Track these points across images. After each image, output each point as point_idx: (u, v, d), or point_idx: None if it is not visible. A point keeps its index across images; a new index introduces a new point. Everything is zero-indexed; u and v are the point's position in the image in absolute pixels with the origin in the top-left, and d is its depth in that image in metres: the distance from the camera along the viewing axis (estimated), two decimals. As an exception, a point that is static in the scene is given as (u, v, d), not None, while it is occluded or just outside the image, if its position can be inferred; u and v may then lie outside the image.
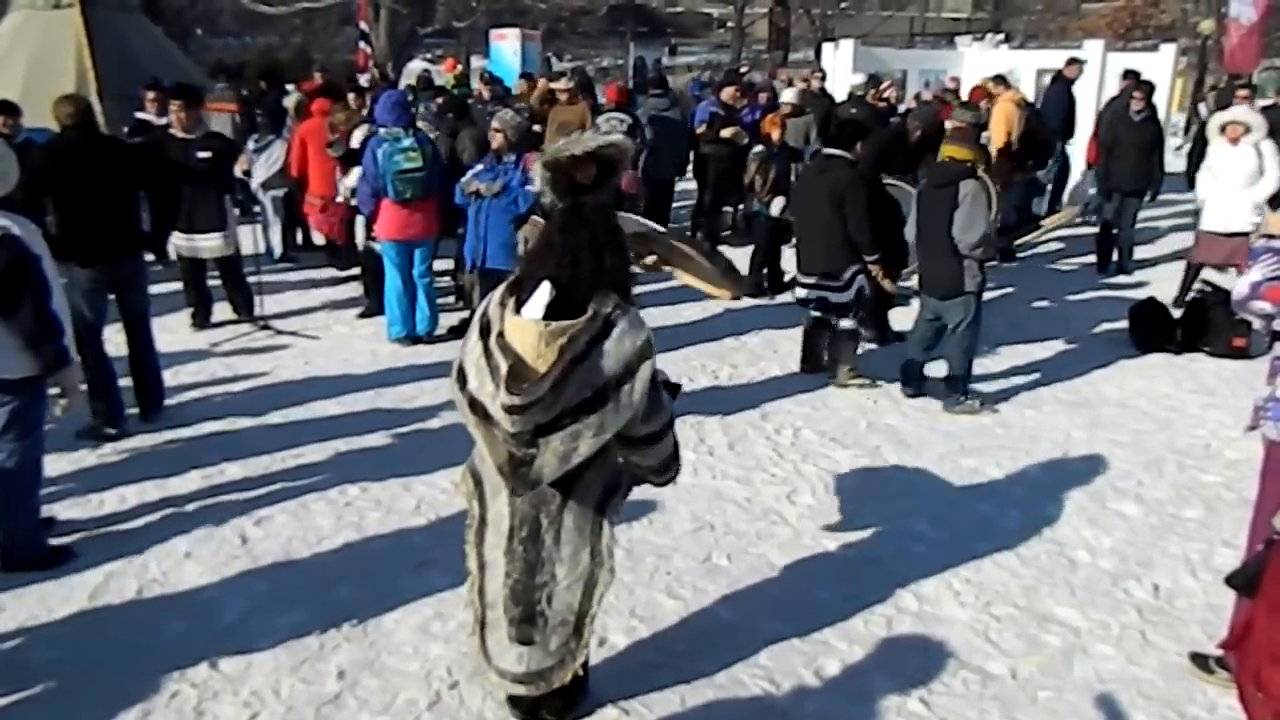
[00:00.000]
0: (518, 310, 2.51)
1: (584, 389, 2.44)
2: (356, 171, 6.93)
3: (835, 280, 5.94)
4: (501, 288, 2.61)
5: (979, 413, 5.69)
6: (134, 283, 5.19)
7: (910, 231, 5.88)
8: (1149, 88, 9.08)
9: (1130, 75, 10.51)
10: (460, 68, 16.24)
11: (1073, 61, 10.57)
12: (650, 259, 4.87)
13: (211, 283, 7.17)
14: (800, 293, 6.19)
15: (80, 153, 4.93)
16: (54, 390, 3.75)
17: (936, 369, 5.96)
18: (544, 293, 2.47)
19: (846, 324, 6.06)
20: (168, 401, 5.49)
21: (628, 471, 2.83)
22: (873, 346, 6.82)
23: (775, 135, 8.13)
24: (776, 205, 7.72)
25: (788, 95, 9.82)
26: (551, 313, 2.48)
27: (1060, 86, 10.62)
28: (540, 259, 2.61)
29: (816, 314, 6.17)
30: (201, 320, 7.13)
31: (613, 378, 2.46)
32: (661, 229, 4.76)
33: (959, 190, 5.39)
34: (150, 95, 7.27)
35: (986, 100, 9.47)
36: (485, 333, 2.53)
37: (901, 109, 10.73)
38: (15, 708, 3.12)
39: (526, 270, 2.62)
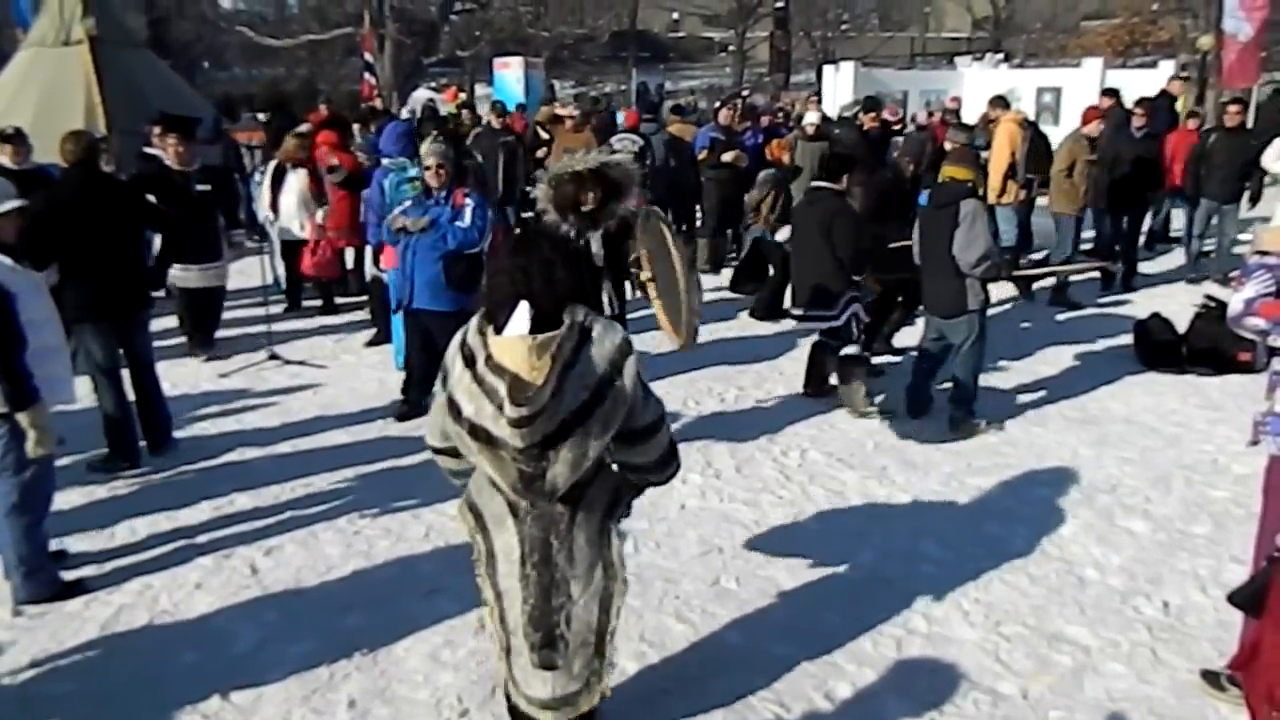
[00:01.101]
0: (498, 332, 2.55)
1: (580, 392, 2.49)
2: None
3: (830, 310, 5.97)
4: (475, 318, 2.62)
5: (985, 432, 5.69)
6: (139, 327, 5.25)
7: (915, 253, 5.90)
8: (1149, 105, 9.13)
9: (1110, 94, 10.59)
10: (463, 96, 16.42)
11: (1176, 78, 10.50)
12: (646, 275, 4.90)
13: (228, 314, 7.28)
14: (796, 324, 6.28)
15: (84, 199, 4.94)
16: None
17: (940, 389, 5.97)
18: (524, 310, 2.52)
19: (849, 350, 6.06)
20: (178, 433, 5.53)
21: (628, 481, 2.85)
22: (878, 364, 6.85)
23: (785, 159, 8.19)
24: (783, 233, 7.70)
25: (811, 118, 9.86)
26: (532, 329, 2.53)
27: (1164, 103, 10.57)
28: (498, 284, 2.64)
29: (821, 336, 6.19)
30: (195, 350, 7.25)
31: (603, 377, 2.52)
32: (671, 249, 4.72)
33: (959, 210, 5.43)
34: (156, 130, 7.40)
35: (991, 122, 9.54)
36: (470, 363, 2.54)
37: (909, 130, 10.76)
38: (28, 741, 3.14)
39: (492, 297, 2.64)
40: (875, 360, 6.89)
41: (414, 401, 5.85)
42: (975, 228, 5.39)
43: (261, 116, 11.12)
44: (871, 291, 6.33)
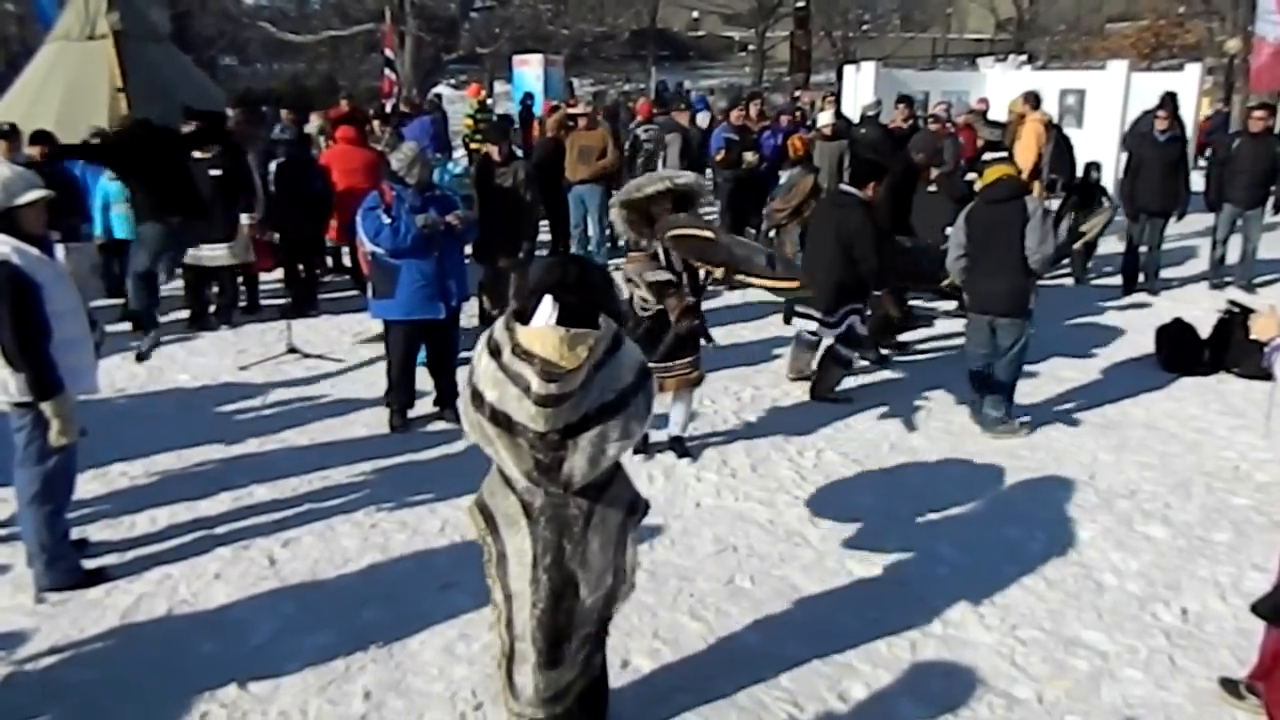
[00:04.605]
0: (525, 324, 2.58)
1: (606, 392, 2.53)
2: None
3: (830, 317, 5.97)
4: (504, 316, 2.67)
5: (1019, 434, 5.64)
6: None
7: (952, 256, 5.76)
8: (1173, 107, 9.03)
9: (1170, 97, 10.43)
10: (485, 93, 16.46)
11: None
12: (719, 271, 4.99)
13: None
14: (798, 323, 6.33)
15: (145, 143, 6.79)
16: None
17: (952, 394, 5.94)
18: (548, 304, 2.55)
19: (843, 350, 6.10)
20: (200, 428, 5.59)
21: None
22: (883, 368, 6.87)
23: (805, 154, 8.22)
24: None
25: (824, 118, 9.84)
26: (564, 323, 2.57)
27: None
28: (537, 287, 2.67)
29: (811, 336, 6.30)
30: (198, 324, 7.62)
31: (629, 385, 2.58)
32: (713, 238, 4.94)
33: (1025, 206, 5.40)
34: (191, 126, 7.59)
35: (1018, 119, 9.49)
36: (496, 353, 2.57)
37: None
38: (48, 727, 3.18)
39: (525, 299, 2.67)
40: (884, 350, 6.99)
41: (402, 410, 5.76)
42: (1046, 224, 5.38)
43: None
44: (875, 306, 6.30)
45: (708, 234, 4.85)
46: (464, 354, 6.10)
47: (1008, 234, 5.42)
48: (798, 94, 14.96)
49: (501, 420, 2.54)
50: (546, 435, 2.50)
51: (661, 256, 4.84)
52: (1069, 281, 9.51)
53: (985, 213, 5.61)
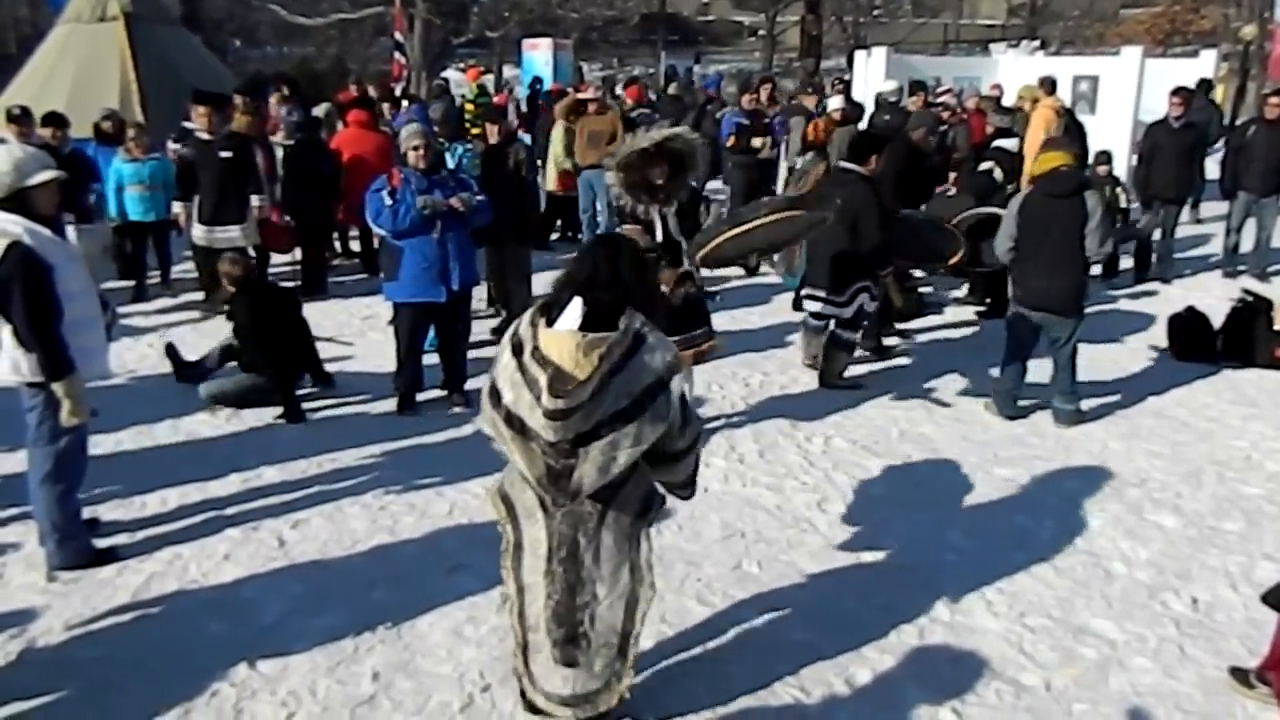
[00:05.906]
0: (550, 325, 2.55)
1: (621, 399, 2.47)
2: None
3: (839, 296, 5.92)
4: (532, 309, 2.64)
5: (1085, 421, 5.65)
6: None
7: (1002, 246, 5.62)
8: (1187, 93, 8.93)
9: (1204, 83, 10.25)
10: (490, 76, 16.43)
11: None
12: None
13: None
14: (807, 305, 6.28)
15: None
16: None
17: (955, 382, 5.90)
18: (577, 306, 2.52)
19: (844, 333, 6.07)
20: (202, 414, 5.60)
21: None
22: (877, 360, 6.83)
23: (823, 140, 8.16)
24: None
25: (835, 103, 9.78)
26: (584, 327, 2.53)
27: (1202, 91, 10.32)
28: (563, 277, 2.67)
29: (817, 322, 6.27)
30: (207, 307, 7.56)
31: (647, 389, 2.51)
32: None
33: (1086, 202, 5.32)
34: (200, 110, 7.57)
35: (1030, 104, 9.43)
36: (518, 351, 2.55)
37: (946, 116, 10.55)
38: (59, 704, 3.20)
39: (555, 290, 2.66)
40: (887, 342, 6.94)
41: (410, 393, 5.75)
42: (1105, 221, 5.33)
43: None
44: (883, 288, 6.24)
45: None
46: (474, 338, 6.15)
47: (1068, 230, 5.30)
48: (798, 99, 14.62)
49: (516, 424, 2.52)
50: (558, 443, 2.49)
51: (658, 225, 4.81)
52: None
53: (1044, 206, 5.40)
